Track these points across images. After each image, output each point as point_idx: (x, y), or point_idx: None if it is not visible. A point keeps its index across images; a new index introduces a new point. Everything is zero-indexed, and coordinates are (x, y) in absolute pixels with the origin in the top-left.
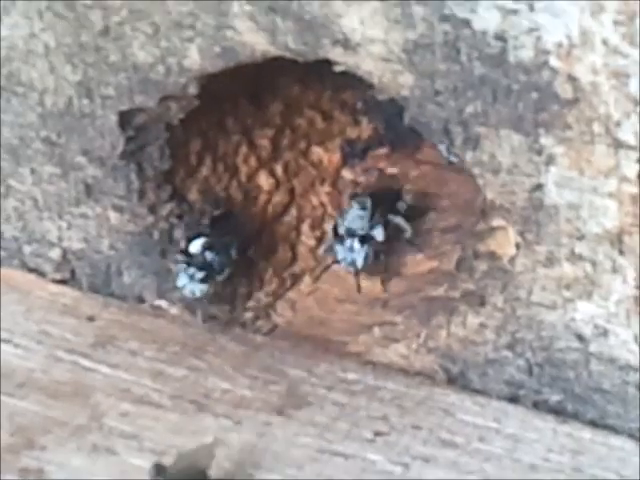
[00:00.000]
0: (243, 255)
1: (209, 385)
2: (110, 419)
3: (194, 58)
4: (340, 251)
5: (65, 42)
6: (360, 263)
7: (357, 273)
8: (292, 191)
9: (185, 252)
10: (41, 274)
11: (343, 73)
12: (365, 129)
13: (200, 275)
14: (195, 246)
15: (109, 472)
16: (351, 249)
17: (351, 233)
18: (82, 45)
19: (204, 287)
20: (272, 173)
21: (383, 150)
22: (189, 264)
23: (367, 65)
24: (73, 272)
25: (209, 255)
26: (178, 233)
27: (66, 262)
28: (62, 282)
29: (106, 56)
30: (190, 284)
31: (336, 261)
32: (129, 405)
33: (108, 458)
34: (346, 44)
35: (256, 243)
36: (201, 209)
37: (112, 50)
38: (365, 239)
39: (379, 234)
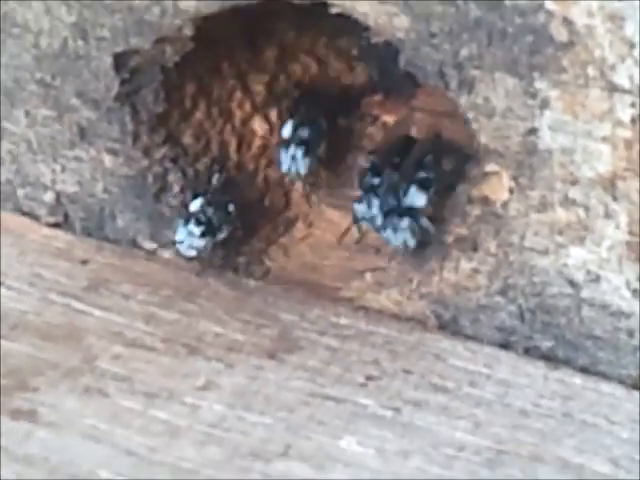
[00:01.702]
0: (243, 216)
1: (201, 329)
2: (102, 361)
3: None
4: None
5: None
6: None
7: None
8: None
9: (185, 209)
10: (35, 217)
11: (339, 19)
12: (360, 76)
13: (198, 230)
14: (195, 205)
15: (101, 413)
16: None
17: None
18: None
19: (201, 242)
20: (266, 118)
21: (377, 97)
22: (188, 219)
23: (363, 7)
24: (67, 215)
25: (208, 211)
26: (172, 177)
27: (60, 205)
28: (55, 225)
29: None
30: (188, 239)
31: (356, 220)
32: (121, 348)
33: (100, 400)
34: None
35: (256, 208)
36: (196, 158)
37: None
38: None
39: (420, 198)
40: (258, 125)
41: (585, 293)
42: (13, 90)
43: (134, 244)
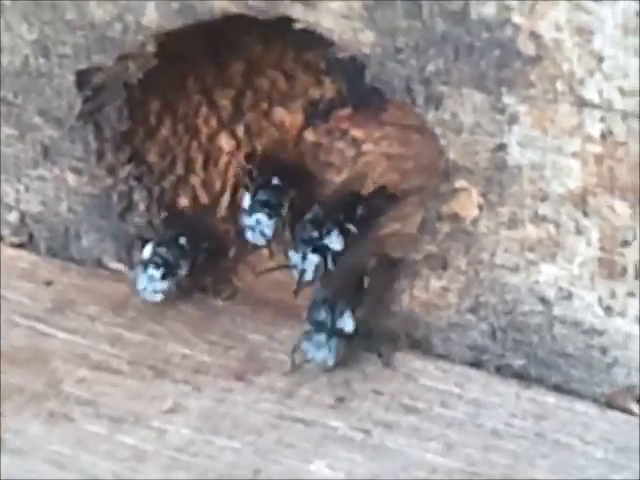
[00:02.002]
0: (198, 247)
1: (168, 350)
2: (67, 385)
3: (152, 15)
4: (294, 258)
5: (21, 0)
6: (310, 275)
7: (300, 282)
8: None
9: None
10: None
11: (306, 32)
12: (328, 90)
13: (158, 273)
14: (147, 251)
15: (66, 439)
16: (304, 258)
17: (305, 241)
18: (38, 3)
19: (164, 284)
20: (233, 134)
21: (346, 111)
22: (145, 266)
23: (327, 22)
24: (31, 236)
25: (161, 252)
26: (137, 195)
27: (24, 225)
28: (20, 246)
29: (62, 14)
30: (150, 284)
31: (286, 266)
32: (87, 371)
33: (65, 425)
34: (306, 1)
35: (211, 237)
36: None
37: (68, 8)
38: (320, 249)
39: (337, 243)
40: (224, 141)
41: (557, 310)
42: None
43: (99, 264)
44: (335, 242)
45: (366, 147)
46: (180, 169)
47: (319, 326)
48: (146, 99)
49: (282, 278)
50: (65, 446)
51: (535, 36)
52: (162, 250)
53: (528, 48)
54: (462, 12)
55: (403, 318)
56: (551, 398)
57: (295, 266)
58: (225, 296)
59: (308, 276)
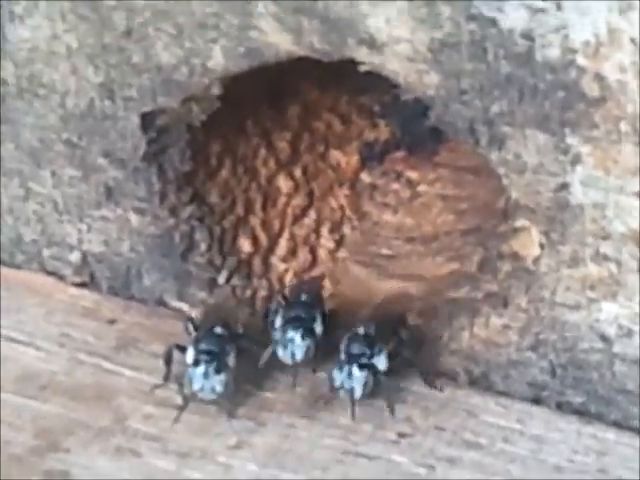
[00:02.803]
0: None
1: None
2: (133, 421)
3: (218, 59)
4: (338, 377)
5: (88, 43)
6: (359, 392)
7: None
8: (311, 194)
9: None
10: (60, 277)
11: (361, 76)
12: (383, 132)
13: (211, 368)
14: (190, 355)
15: (134, 474)
16: (350, 375)
17: (352, 358)
18: (105, 46)
19: (221, 377)
20: (291, 176)
21: (400, 153)
22: (195, 365)
23: (392, 65)
24: (92, 275)
25: (203, 347)
26: (199, 235)
27: (86, 265)
28: (82, 285)
29: (129, 57)
30: (207, 382)
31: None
32: (152, 407)
33: (132, 460)
34: (372, 44)
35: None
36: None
37: (135, 51)
38: (366, 366)
39: (382, 362)
40: (282, 182)
41: (617, 348)
42: (39, 151)
43: (161, 303)
44: (382, 362)
45: (421, 188)
46: (240, 210)
47: (353, 358)
48: (207, 141)
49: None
50: None
51: (599, 78)
52: (203, 346)
53: (592, 90)
54: (527, 54)
55: (463, 356)
56: (612, 434)
57: (342, 386)
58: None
59: (357, 394)
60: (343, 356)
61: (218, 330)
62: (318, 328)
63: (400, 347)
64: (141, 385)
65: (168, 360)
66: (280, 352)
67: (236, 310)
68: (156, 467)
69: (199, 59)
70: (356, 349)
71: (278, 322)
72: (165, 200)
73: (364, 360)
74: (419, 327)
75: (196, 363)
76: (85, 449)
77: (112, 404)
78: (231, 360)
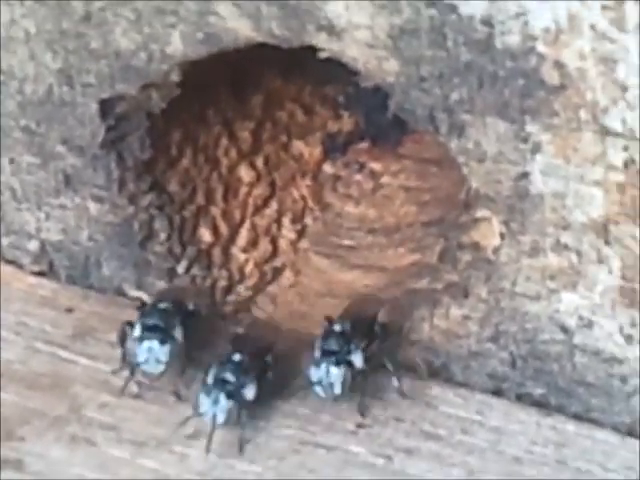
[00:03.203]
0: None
1: (190, 376)
2: (89, 410)
3: (177, 44)
4: (314, 374)
5: (46, 29)
6: (338, 389)
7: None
8: (273, 184)
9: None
10: (19, 266)
11: (325, 66)
12: (346, 123)
13: (155, 340)
14: (136, 330)
15: (88, 462)
16: (328, 372)
17: (328, 355)
18: (63, 32)
19: (165, 350)
20: (253, 166)
21: (364, 144)
22: (140, 339)
23: (352, 51)
24: (51, 264)
25: (149, 322)
26: (158, 224)
27: (44, 254)
28: (40, 274)
29: (87, 43)
30: (151, 354)
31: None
32: (108, 396)
33: (87, 449)
34: (331, 30)
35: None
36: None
37: (93, 37)
38: (343, 363)
39: (358, 360)
40: (244, 172)
41: (577, 339)
42: None
43: (120, 292)
44: (358, 360)
45: (384, 180)
46: (200, 199)
47: (329, 355)
48: (168, 129)
49: (300, 307)
50: (87, 469)
51: (559, 65)
52: (148, 320)
53: (552, 77)
54: (486, 41)
55: (423, 347)
56: (571, 426)
57: (319, 382)
58: (245, 325)
59: (337, 390)
60: (318, 353)
61: (163, 305)
62: (178, 334)
63: (374, 345)
64: (97, 374)
65: (122, 340)
66: (142, 360)
67: (189, 290)
68: (111, 456)
69: (158, 45)
70: (332, 346)
71: (137, 331)
72: (124, 188)
73: (341, 357)
74: (391, 324)
75: (141, 337)
76: (40, 438)
77: (68, 393)
78: (178, 333)
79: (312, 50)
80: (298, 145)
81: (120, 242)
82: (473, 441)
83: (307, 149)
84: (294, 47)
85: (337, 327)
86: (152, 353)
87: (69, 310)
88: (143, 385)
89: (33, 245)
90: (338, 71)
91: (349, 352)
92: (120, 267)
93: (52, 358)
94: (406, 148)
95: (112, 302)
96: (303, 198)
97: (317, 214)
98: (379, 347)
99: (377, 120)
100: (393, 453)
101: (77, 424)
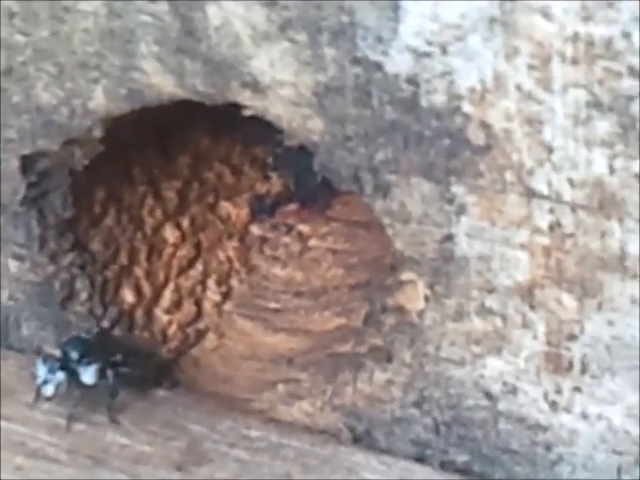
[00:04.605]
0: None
1: (107, 440)
2: (4, 473)
3: (99, 100)
4: (41, 369)
5: None
6: (50, 391)
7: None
8: (198, 245)
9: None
10: None
11: (254, 128)
12: (275, 185)
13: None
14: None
15: None
16: (52, 371)
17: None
18: None
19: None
20: (178, 226)
21: (293, 206)
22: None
23: (276, 109)
24: None
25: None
26: (79, 284)
27: None
28: None
29: (9, 97)
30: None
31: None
32: (23, 459)
33: None
34: (255, 87)
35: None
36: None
37: (15, 91)
38: (68, 370)
39: (89, 375)
40: (169, 232)
41: (502, 405)
42: None
43: (39, 352)
44: (89, 377)
45: (312, 242)
46: (124, 259)
47: (64, 357)
48: (91, 187)
49: (223, 370)
50: None
51: (485, 125)
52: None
53: (478, 138)
54: (412, 100)
55: (346, 411)
56: None
57: (38, 376)
58: (166, 387)
59: (49, 391)
60: (59, 352)
61: (83, 336)
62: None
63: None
64: (12, 436)
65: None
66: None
67: None
68: None
69: (80, 100)
70: (71, 350)
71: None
72: (45, 246)
73: (70, 364)
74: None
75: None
76: None
77: None
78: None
79: (235, 107)
80: (225, 206)
81: (40, 301)
82: None
83: (234, 210)
84: (219, 105)
85: (86, 336)
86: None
87: None
88: (59, 447)
89: None
90: (267, 132)
91: (81, 363)
92: (40, 327)
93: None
94: (335, 210)
95: (31, 363)
96: (229, 260)
97: (243, 276)
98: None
99: (306, 182)
100: None
101: None
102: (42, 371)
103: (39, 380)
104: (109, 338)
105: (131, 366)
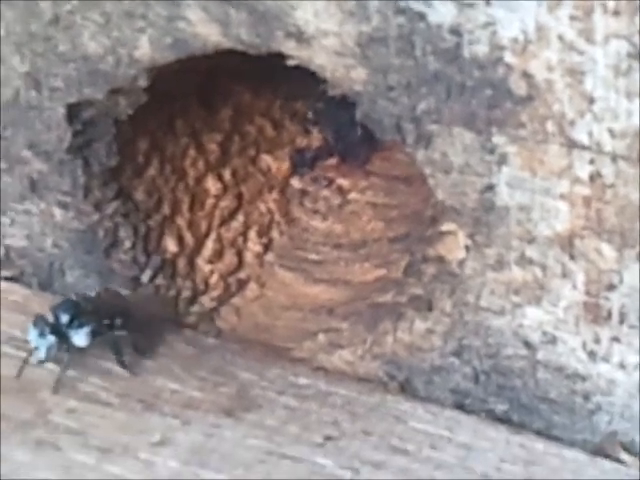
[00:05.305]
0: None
1: (158, 385)
2: (56, 415)
3: (145, 49)
4: (32, 333)
5: (14, 31)
6: (42, 354)
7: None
8: (240, 197)
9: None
10: None
11: (295, 82)
12: (315, 139)
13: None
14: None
15: (53, 467)
16: (42, 335)
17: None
18: (31, 34)
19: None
20: (220, 178)
21: (333, 160)
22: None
23: (320, 59)
24: (22, 270)
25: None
26: (123, 232)
27: (10, 260)
28: (12, 279)
29: (55, 46)
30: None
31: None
32: (75, 402)
33: (52, 453)
34: (299, 37)
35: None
36: (148, 214)
37: (62, 40)
38: (58, 333)
39: (81, 338)
40: (211, 184)
41: (540, 355)
42: None
43: None
44: (80, 339)
45: (352, 196)
46: (166, 209)
47: (55, 321)
48: (135, 137)
49: (264, 320)
50: (52, 474)
51: (527, 76)
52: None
53: (519, 88)
54: (454, 50)
55: (386, 360)
56: (540, 444)
57: (29, 341)
58: (210, 336)
59: (41, 355)
60: (50, 316)
61: (74, 299)
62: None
63: (111, 331)
64: (66, 380)
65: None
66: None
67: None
68: (75, 461)
69: (126, 49)
70: (61, 314)
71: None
72: (89, 195)
73: (61, 328)
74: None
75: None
76: (5, 441)
77: (35, 397)
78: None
79: (281, 59)
80: (266, 159)
81: (84, 249)
82: (441, 457)
83: (275, 163)
84: (263, 56)
85: (76, 298)
86: (41, 340)
87: None
88: (111, 391)
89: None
90: (308, 87)
91: (72, 326)
92: (84, 275)
93: (20, 363)
94: (374, 165)
95: None
96: (270, 212)
97: (283, 228)
98: (113, 335)
99: (346, 137)
100: (360, 466)
101: (43, 428)
102: (33, 335)
103: (31, 344)
104: (101, 301)
105: (122, 329)
